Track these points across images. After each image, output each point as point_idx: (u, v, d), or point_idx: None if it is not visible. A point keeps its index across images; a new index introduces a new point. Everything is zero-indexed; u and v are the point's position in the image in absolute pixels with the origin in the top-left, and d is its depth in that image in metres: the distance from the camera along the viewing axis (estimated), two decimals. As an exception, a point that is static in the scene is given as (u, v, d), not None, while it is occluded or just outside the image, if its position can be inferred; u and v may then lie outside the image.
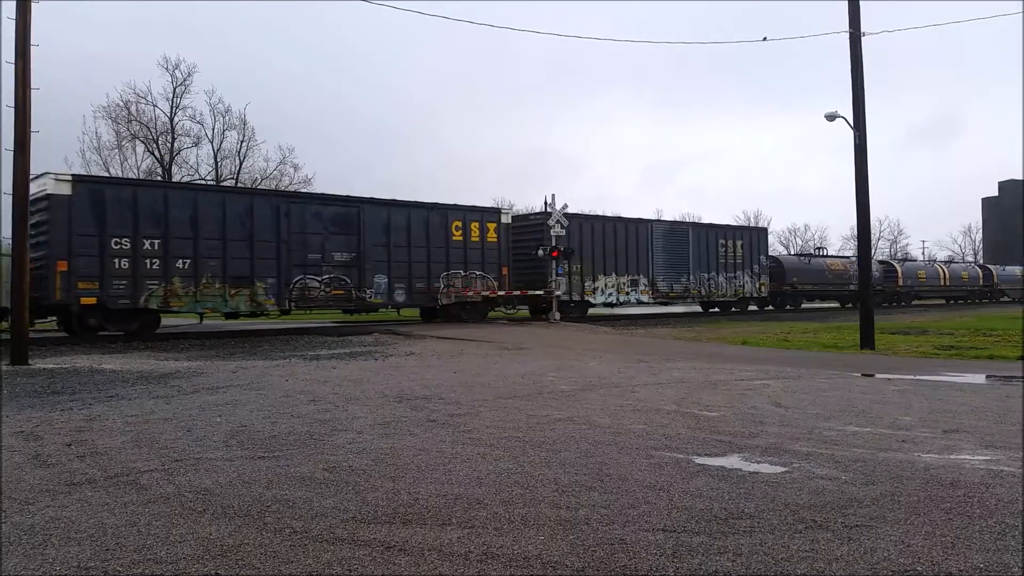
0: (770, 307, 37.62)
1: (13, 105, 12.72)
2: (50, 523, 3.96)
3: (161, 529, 3.84)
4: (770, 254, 39.33)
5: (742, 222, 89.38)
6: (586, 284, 27.50)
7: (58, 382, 10.11)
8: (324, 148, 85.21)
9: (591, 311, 29.58)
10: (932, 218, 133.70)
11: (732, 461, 5.29)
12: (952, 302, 51.08)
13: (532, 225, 27.11)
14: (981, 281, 52.97)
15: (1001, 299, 54.18)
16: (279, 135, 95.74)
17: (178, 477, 4.91)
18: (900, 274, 46.12)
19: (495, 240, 24.35)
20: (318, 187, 46.15)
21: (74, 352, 15.10)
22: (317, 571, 3.28)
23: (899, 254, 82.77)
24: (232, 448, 5.80)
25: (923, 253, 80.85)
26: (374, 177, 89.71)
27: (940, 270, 49.89)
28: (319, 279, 20.58)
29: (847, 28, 15.75)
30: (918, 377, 10.29)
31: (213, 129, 45.48)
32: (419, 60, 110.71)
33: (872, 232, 17.59)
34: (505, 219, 25.03)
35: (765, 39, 19.36)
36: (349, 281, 21.08)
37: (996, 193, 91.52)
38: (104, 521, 3.98)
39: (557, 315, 25.90)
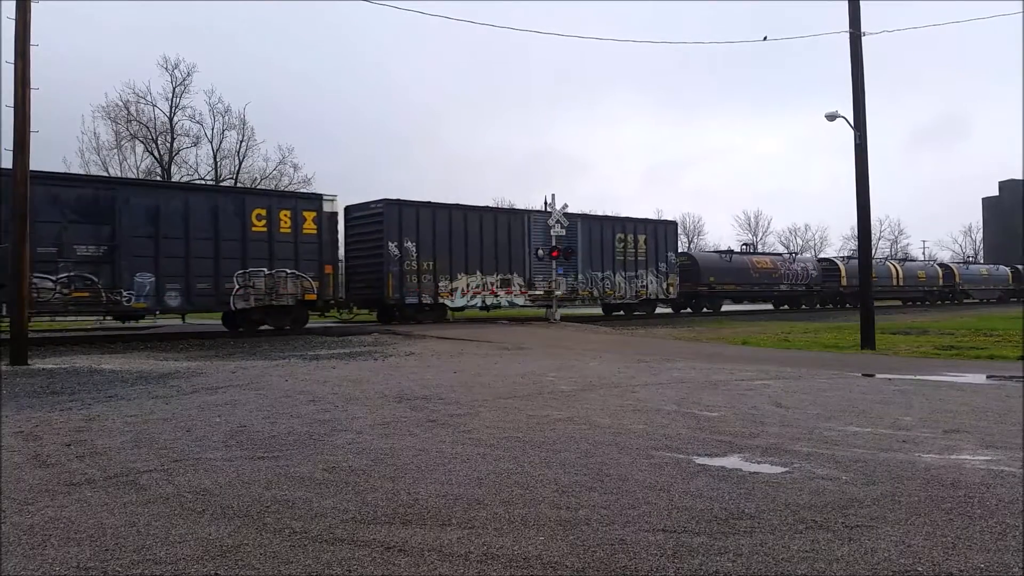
0: (687, 310, 34.47)
1: (13, 105, 12.73)
2: (50, 523, 3.95)
3: (161, 529, 3.83)
4: (684, 251, 35.67)
5: (742, 222, 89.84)
6: (440, 284, 23.67)
7: (57, 382, 10.11)
8: (325, 148, 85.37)
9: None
10: (933, 218, 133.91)
11: (732, 461, 5.29)
12: (909, 304, 47.12)
13: (372, 215, 23.38)
14: (941, 281, 49.07)
15: (964, 300, 50.23)
16: (279, 135, 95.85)
17: (177, 477, 4.90)
18: (843, 273, 41.84)
19: (314, 232, 20.36)
20: (318, 187, 46.20)
21: (73, 352, 15.11)
22: (317, 571, 3.27)
23: (899, 254, 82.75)
24: (232, 448, 5.80)
25: (923, 253, 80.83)
26: (376, 177, 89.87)
27: (892, 268, 45.80)
28: (53, 278, 16.57)
29: (847, 28, 15.75)
30: (919, 377, 10.28)
31: (212, 129, 45.60)
32: (421, 60, 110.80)
33: (872, 232, 17.57)
34: (329, 207, 20.95)
35: (765, 39, 19.38)
36: (97, 281, 17.08)
37: (996, 193, 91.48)
38: (103, 521, 3.97)
39: (558, 315, 25.85)
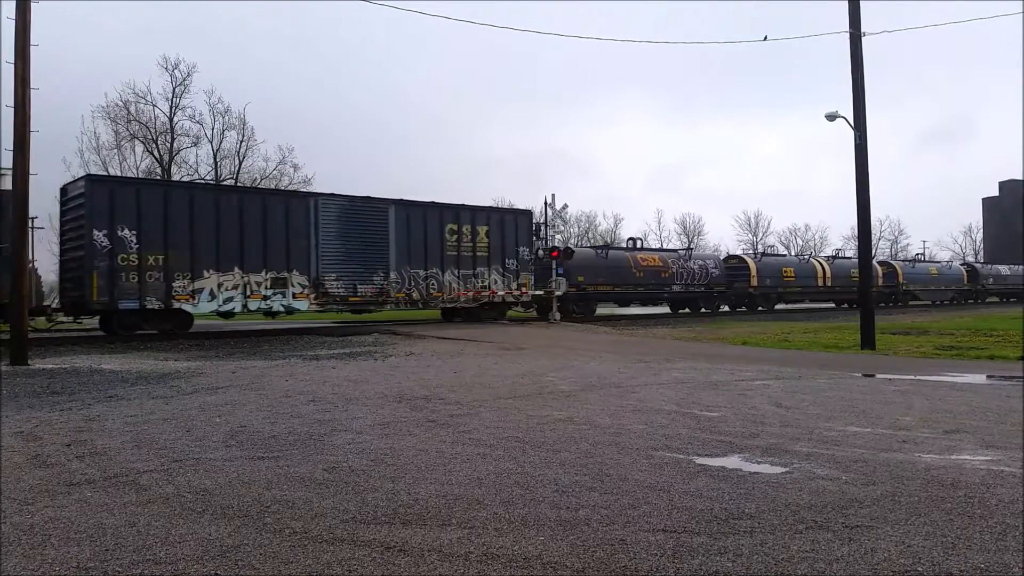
0: (558, 315, 27.17)
1: (13, 105, 12.74)
2: (49, 523, 3.95)
3: (161, 529, 3.83)
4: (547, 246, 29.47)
5: (742, 222, 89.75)
6: (176, 284, 18.21)
7: (57, 382, 10.11)
8: (325, 148, 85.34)
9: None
10: (933, 218, 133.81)
11: (732, 461, 5.29)
12: (845, 306, 41.23)
13: (76, 197, 18.28)
14: (880, 281, 42.84)
15: (909, 303, 45.33)
16: (279, 135, 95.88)
17: (177, 477, 4.90)
18: (754, 272, 36.91)
19: None
20: (318, 187, 46.09)
21: (73, 352, 15.10)
22: (317, 571, 3.27)
23: (899, 254, 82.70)
24: (232, 448, 5.80)
25: (924, 253, 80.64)
26: (378, 177, 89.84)
27: (818, 267, 40.22)
28: None
29: (847, 28, 15.75)
30: (919, 377, 10.28)
31: (212, 129, 45.49)
32: (421, 60, 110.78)
33: (873, 232, 17.59)
34: None
35: (766, 39, 19.43)
36: None
37: (996, 193, 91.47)
38: (103, 521, 3.97)
39: (557, 315, 25.88)
